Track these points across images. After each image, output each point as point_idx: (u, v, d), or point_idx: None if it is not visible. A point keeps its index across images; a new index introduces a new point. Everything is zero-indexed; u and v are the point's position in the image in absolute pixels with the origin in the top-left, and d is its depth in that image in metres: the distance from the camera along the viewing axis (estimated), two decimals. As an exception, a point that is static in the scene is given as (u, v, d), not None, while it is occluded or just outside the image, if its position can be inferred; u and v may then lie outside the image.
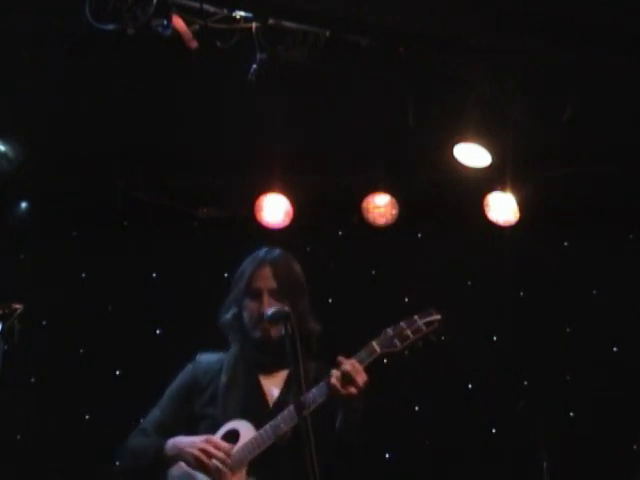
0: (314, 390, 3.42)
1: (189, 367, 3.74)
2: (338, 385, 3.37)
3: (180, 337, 6.09)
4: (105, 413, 6.10)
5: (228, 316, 3.72)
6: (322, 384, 3.43)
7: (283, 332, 3.33)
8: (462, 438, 6.22)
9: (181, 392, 3.67)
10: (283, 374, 3.62)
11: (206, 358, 3.75)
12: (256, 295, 3.62)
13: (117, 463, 3.68)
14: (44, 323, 6.28)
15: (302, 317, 3.61)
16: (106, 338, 6.29)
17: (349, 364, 3.40)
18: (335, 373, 3.39)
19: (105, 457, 5.77)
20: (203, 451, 3.40)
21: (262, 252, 3.75)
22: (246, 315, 3.64)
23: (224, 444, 3.43)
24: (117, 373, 6.39)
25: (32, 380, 6.29)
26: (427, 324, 3.56)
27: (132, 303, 6.40)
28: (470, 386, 6.45)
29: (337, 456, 3.49)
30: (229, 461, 3.39)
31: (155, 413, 3.67)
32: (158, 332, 6.50)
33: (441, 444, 6.27)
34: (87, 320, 6.33)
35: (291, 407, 3.36)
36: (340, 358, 3.44)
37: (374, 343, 3.50)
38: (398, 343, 3.50)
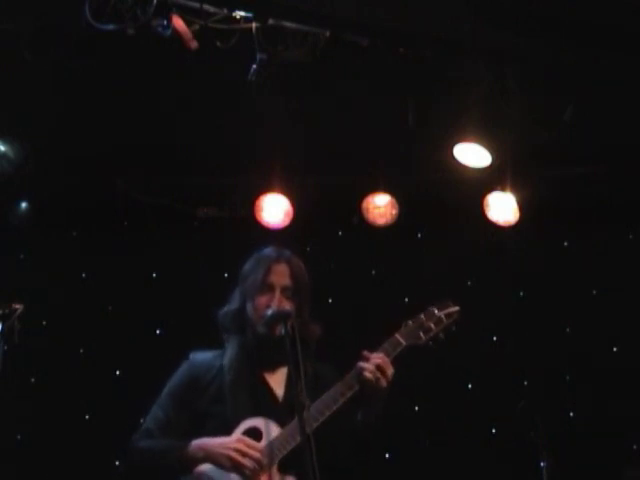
0: (340, 384, 3.46)
1: (185, 366, 3.71)
2: (372, 378, 3.42)
3: (180, 337, 6.08)
4: (105, 413, 6.10)
5: (232, 308, 3.70)
6: (351, 375, 3.47)
7: (284, 332, 3.34)
8: (462, 438, 6.22)
9: (182, 391, 3.64)
10: (284, 371, 3.61)
11: (201, 356, 3.73)
12: (268, 290, 3.62)
13: (127, 464, 3.64)
14: (44, 323, 6.28)
15: (305, 319, 3.62)
16: (106, 338, 6.29)
17: (379, 358, 3.47)
18: (367, 367, 3.44)
19: (105, 457, 5.81)
20: (237, 451, 3.38)
21: (274, 250, 3.76)
22: (253, 309, 3.63)
23: (256, 443, 3.42)
24: (117, 373, 6.39)
25: (32, 380, 6.29)
26: (447, 315, 3.67)
27: (132, 303, 6.40)
28: (470, 386, 6.46)
29: (353, 449, 3.51)
30: (263, 460, 3.39)
31: (157, 414, 3.63)
32: (158, 332, 6.50)
33: (441, 444, 6.27)
34: (87, 320, 6.33)
35: (315, 405, 3.39)
36: (366, 352, 3.49)
37: (398, 336, 3.57)
38: (422, 335, 3.59)
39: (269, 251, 3.76)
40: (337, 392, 3.45)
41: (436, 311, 3.66)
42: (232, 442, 3.41)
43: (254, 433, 3.46)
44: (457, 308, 3.71)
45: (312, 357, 3.66)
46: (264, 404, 3.54)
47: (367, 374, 3.43)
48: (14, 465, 5.88)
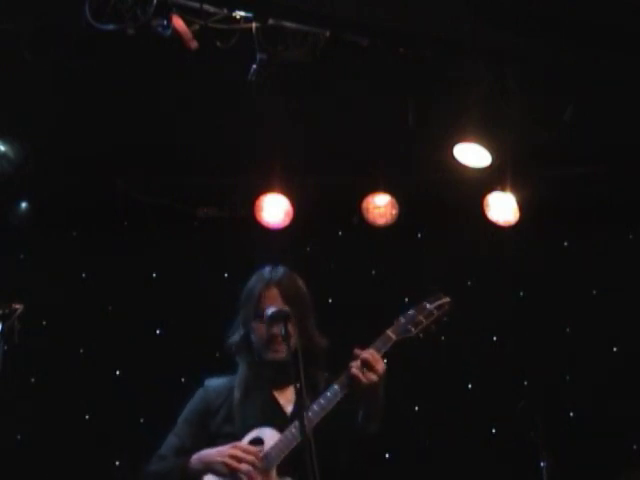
0: (335, 385, 3.46)
1: (199, 392, 3.77)
2: (359, 374, 3.42)
3: (180, 337, 6.10)
4: (105, 413, 6.10)
5: (236, 338, 3.75)
6: (344, 375, 3.46)
7: (283, 331, 3.36)
8: (462, 438, 6.22)
9: (195, 417, 3.69)
10: (293, 389, 3.61)
11: (215, 382, 3.79)
12: (263, 318, 3.62)
13: None
14: (44, 323, 6.28)
15: (309, 333, 3.64)
16: (106, 338, 6.28)
17: (368, 353, 3.47)
18: (355, 364, 3.44)
19: (105, 457, 5.81)
20: (233, 457, 3.41)
21: (267, 272, 3.77)
22: (255, 337, 3.68)
23: (252, 447, 3.45)
24: (117, 373, 6.38)
25: (32, 380, 6.29)
26: (437, 307, 3.66)
27: (132, 303, 6.40)
28: (470, 386, 6.46)
29: (354, 452, 3.51)
30: (259, 463, 3.41)
31: (172, 440, 3.68)
32: (158, 332, 6.50)
33: (441, 444, 6.27)
34: (87, 320, 6.33)
35: (311, 406, 3.41)
36: (356, 350, 3.49)
37: (388, 332, 3.58)
38: (412, 329, 3.59)
39: (260, 275, 3.77)
40: (332, 393, 3.47)
41: (427, 304, 3.67)
42: (227, 449, 3.45)
43: (257, 442, 3.49)
44: (447, 299, 3.70)
45: (324, 369, 3.69)
46: (273, 419, 3.57)
47: (354, 370, 3.43)
48: (14, 465, 5.88)
